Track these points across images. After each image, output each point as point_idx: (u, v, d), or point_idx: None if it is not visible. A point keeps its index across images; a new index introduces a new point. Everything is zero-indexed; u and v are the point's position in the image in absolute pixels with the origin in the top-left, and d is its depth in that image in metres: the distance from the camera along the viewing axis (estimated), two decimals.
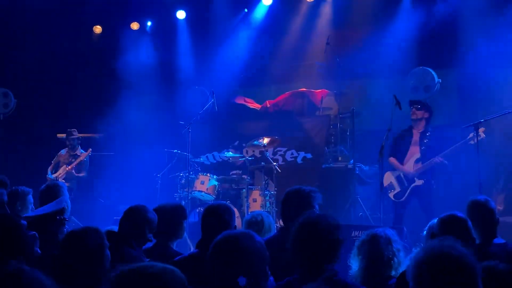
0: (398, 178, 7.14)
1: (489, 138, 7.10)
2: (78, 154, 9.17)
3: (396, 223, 6.76)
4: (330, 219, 2.99)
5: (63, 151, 9.31)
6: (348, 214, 8.08)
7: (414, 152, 7.13)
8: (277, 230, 4.18)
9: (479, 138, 6.53)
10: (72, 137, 9.23)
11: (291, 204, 3.96)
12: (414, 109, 7.12)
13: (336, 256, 2.92)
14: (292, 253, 2.94)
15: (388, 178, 7.27)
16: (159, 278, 1.70)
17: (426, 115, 7.18)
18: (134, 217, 3.86)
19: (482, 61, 8.28)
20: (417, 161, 7.09)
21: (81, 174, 9.11)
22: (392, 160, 7.01)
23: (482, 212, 3.85)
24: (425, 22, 9.17)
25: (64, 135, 9.34)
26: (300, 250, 2.91)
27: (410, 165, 7.13)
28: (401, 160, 7.18)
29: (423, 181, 7.01)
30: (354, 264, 3.38)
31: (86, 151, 9.19)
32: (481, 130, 6.59)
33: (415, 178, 7.03)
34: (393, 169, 7.29)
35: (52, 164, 9.24)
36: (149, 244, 4.07)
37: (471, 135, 6.66)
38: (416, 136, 7.18)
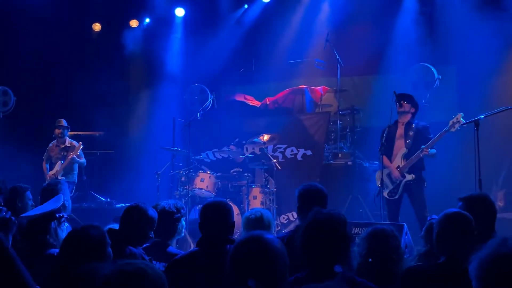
0: (389, 176, 7.07)
1: (490, 134, 7.09)
2: (68, 145, 9.03)
3: (390, 221, 6.67)
4: (341, 215, 2.96)
5: (51, 144, 9.18)
6: (348, 211, 8.07)
7: (400, 146, 7.06)
8: (294, 229, 4.12)
9: (458, 125, 6.53)
10: (61, 125, 9.05)
11: (313, 202, 3.85)
12: (401, 102, 7.09)
13: (348, 252, 2.89)
14: (301, 250, 2.86)
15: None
16: (136, 276, 1.69)
17: (413, 109, 7.15)
18: (134, 215, 3.85)
19: (481, 57, 8.27)
20: (404, 156, 7.03)
21: (81, 160, 9.01)
22: (383, 158, 6.95)
23: (482, 207, 3.81)
24: (424, 19, 9.17)
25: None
26: (311, 246, 2.84)
27: (398, 161, 7.06)
28: (389, 156, 7.11)
29: (413, 175, 6.92)
30: (354, 261, 3.37)
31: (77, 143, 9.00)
32: (459, 116, 6.59)
33: (405, 173, 6.99)
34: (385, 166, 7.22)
35: (44, 160, 9.12)
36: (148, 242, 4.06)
37: (451, 122, 6.65)
38: (401, 129, 7.12)
